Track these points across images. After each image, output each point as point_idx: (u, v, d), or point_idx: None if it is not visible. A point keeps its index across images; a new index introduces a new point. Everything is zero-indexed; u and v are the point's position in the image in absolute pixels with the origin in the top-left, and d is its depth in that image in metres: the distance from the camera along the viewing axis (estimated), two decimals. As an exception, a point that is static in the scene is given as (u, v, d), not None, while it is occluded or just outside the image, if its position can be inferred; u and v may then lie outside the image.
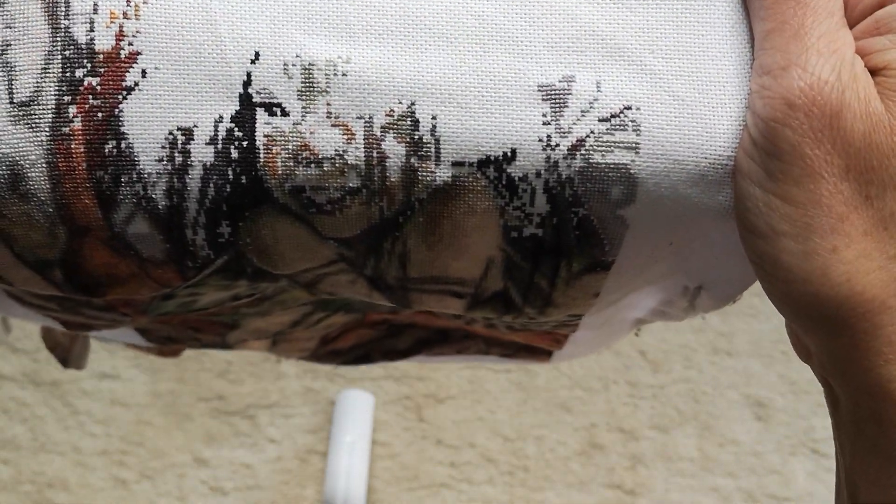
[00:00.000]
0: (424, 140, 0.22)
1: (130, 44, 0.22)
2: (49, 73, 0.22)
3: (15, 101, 0.22)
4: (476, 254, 0.25)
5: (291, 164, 0.22)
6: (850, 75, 0.20)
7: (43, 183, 0.22)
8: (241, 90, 0.22)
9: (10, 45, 0.22)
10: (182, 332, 0.36)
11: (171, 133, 0.22)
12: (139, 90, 0.22)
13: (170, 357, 0.46)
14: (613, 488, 0.87)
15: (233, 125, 0.22)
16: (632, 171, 0.22)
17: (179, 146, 0.22)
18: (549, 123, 0.22)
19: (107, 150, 0.22)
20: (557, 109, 0.22)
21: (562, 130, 0.22)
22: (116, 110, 0.22)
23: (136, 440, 0.86)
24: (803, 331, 0.23)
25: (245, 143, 0.22)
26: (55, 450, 0.86)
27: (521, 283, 0.26)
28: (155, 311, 0.30)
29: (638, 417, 0.88)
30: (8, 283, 0.26)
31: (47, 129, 0.22)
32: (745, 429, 0.88)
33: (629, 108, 0.22)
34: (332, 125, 0.22)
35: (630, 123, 0.22)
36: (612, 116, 0.22)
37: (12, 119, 0.22)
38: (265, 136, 0.22)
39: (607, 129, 0.22)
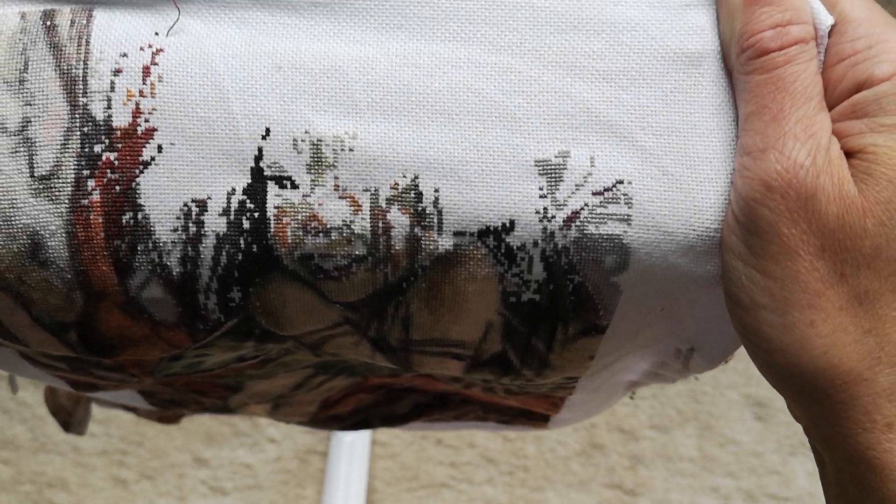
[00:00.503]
0: (427, 211, 0.23)
1: (147, 120, 0.23)
2: (68, 148, 0.23)
3: (36, 174, 0.23)
4: (476, 317, 0.26)
5: (301, 233, 0.23)
6: (824, 159, 0.22)
7: (62, 251, 0.23)
8: (253, 164, 0.23)
9: (31, 121, 0.23)
10: (185, 394, 0.37)
11: (185, 205, 0.23)
12: (155, 164, 0.23)
13: (169, 423, 0.47)
14: (613, 488, 0.87)
15: (245, 197, 0.23)
16: (624, 242, 0.24)
17: (194, 217, 0.23)
18: (546, 196, 0.23)
19: (124, 221, 0.23)
20: (553, 183, 0.23)
21: (557, 203, 0.23)
22: (133, 183, 0.23)
23: (136, 440, 0.86)
24: (787, 398, 0.24)
25: (256, 215, 0.23)
26: (55, 450, 0.86)
27: (518, 346, 0.27)
28: (162, 371, 0.31)
29: (638, 417, 0.88)
30: (24, 344, 0.26)
31: (67, 201, 0.23)
32: (745, 429, 0.88)
33: (621, 182, 0.23)
34: (340, 197, 0.23)
35: (622, 197, 0.23)
36: (606, 190, 0.23)
37: (33, 192, 0.23)
38: (276, 207, 0.23)
39: (601, 202, 0.23)
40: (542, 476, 0.87)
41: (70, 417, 0.46)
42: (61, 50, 0.23)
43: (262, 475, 0.87)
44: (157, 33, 0.23)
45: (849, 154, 0.22)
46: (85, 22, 0.23)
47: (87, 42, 0.23)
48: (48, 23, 0.23)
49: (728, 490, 0.87)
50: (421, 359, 0.28)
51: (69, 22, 0.23)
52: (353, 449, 0.84)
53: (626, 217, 0.23)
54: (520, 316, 0.26)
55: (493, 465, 0.87)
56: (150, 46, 0.23)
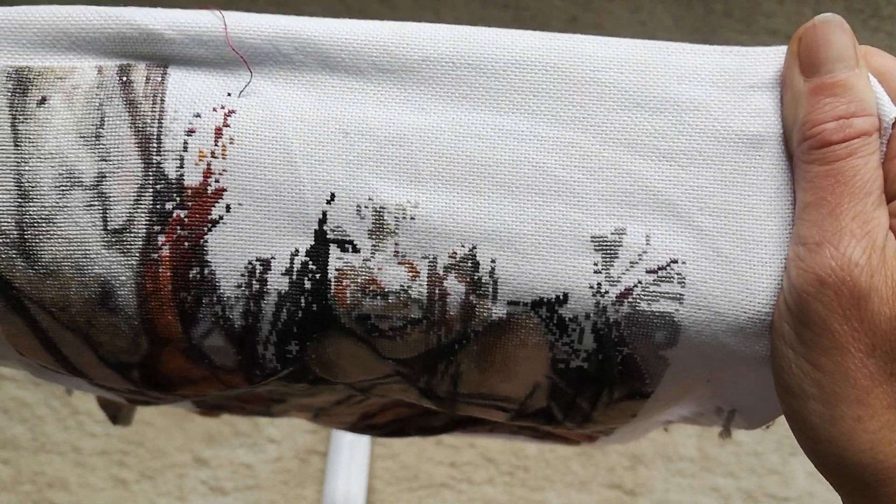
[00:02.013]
0: (483, 280, 0.24)
1: (217, 181, 0.24)
2: (141, 204, 0.24)
3: (109, 228, 0.24)
4: (524, 379, 0.27)
5: (359, 295, 0.24)
6: (879, 259, 0.22)
7: (131, 300, 0.24)
8: (317, 227, 0.24)
9: (106, 176, 0.24)
10: (230, 401, 0.38)
11: (250, 262, 0.24)
12: (223, 223, 0.24)
13: (211, 416, 0.48)
14: (613, 488, 0.87)
15: (307, 259, 0.24)
16: (675, 319, 0.24)
17: (257, 275, 0.24)
18: (600, 272, 0.24)
19: (191, 276, 0.24)
20: (608, 259, 0.24)
21: (611, 279, 0.24)
22: (202, 240, 0.24)
23: (136, 440, 0.86)
24: (832, 484, 0.24)
25: (318, 276, 0.24)
26: (55, 450, 0.86)
27: (563, 404, 0.28)
28: (216, 397, 0.32)
29: (638, 417, 0.88)
30: (88, 378, 0.28)
31: (137, 254, 0.24)
32: (745, 429, 0.88)
33: (675, 261, 0.24)
34: (399, 263, 0.24)
35: (675, 276, 0.24)
36: (660, 269, 0.24)
37: (106, 244, 0.24)
38: (337, 269, 0.24)
39: (654, 280, 0.24)
40: (542, 476, 0.87)
41: (118, 411, 0.47)
42: (137, 107, 0.24)
43: (262, 475, 0.87)
44: (229, 94, 0.24)
45: None
46: (160, 79, 0.24)
47: (162, 100, 0.24)
48: (124, 79, 0.24)
49: (728, 490, 0.87)
50: (467, 407, 0.29)
51: (144, 79, 0.24)
52: (353, 449, 0.84)
53: (678, 296, 0.24)
54: (567, 380, 0.26)
55: (493, 465, 0.87)
56: (222, 108, 0.24)
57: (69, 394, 0.43)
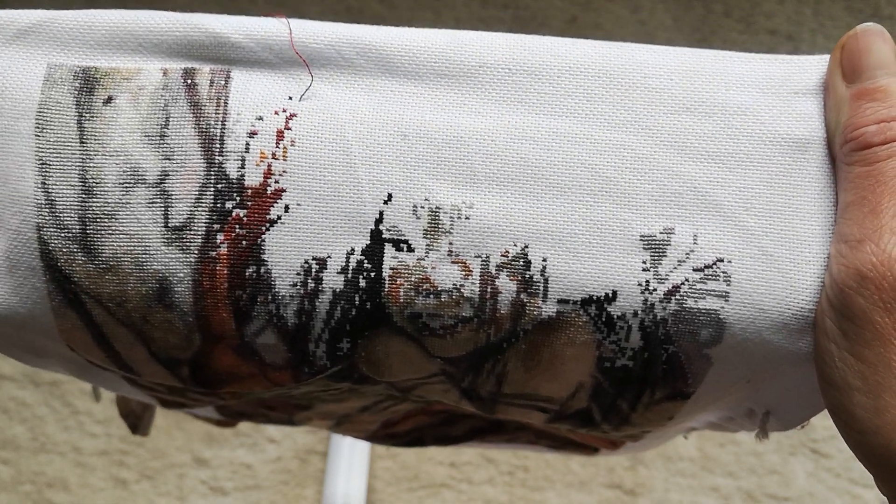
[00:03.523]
0: (534, 279, 0.25)
1: (276, 181, 0.25)
2: (202, 203, 0.24)
3: (169, 225, 0.24)
4: (569, 378, 0.27)
5: (412, 293, 0.25)
6: None
7: (187, 297, 0.25)
8: (373, 227, 0.25)
9: (169, 174, 0.24)
10: (255, 409, 0.38)
11: (306, 262, 0.25)
12: (281, 223, 0.25)
13: (226, 427, 0.48)
14: (613, 488, 0.87)
15: (363, 258, 0.25)
16: (721, 317, 0.25)
17: (313, 274, 0.25)
18: (649, 270, 0.25)
19: (247, 274, 0.25)
20: (657, 258, 0.25)
21: (659, 277, 0.25)
22: (259, 240, 0.25)
23: (136, 440, 0.86)
24: (877, 478, 0.25)
25: (373, 275, 0.25)
26: (55, 450, 0.86)
27: (604, 405, 0.28)
28: (252, 396, 0.32)
29: (638, 417, 0.88)
30: (136, 374, 0.28)
31: (196, 251, 0.25)
32: (745, 429, 0.88)
33: (721, 260, 0.25)
34: (452, 262, 0.25)
35: (722, 274, 0.25)
36: (706, 267, 0.25)
37: (166, 241, 0.24)
38: (391, 268, 0.25)
39: (701, 278, 0.25)
40: (542, 476, 0.87)
41: (139, 421, 0.48)
42: (201, 109, 0.25)
43: (262, 475, 0.87)
44: (290, 97, 0.25)
45: None
46: (223, 83, 0.25)
47: (226, 103, 0.25)
48: (189, 81, 0.25)
49: (728, 490, 0.87)
50: (507, 409, 0.30)
51: (209, 81, 0.25)
52: (353, 449, 0.84)
53: (724, 294, 0.25)
54: (610, 379, 0.27)
55: (493, 465, 0.87)
56: (284, 111, 0.25)
57: (97, 399, 0.43)
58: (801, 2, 1.00)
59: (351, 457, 0.84)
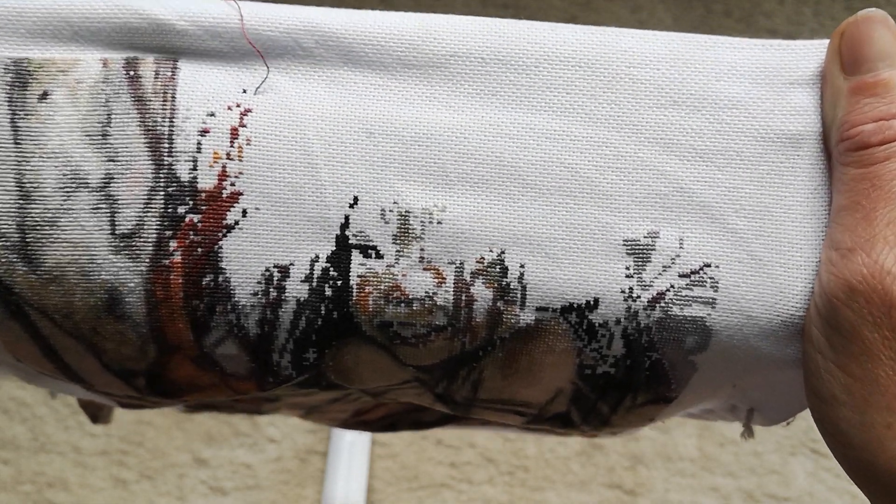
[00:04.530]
0: (512, 286, 0.23)
1: (233, 184, 0.23)
2: (151, 207, 0.23)
3: (117, 232, 0.23)
4: (548, 385, 0.26)
5: (382, 302, 0.23)
6: None
7: (139, 308, 0.23)
8: (339, 232, 0.23)
9: (114, 177, 0.22)
10: (222, 402, 0.37)
11: (267, 269, 0.23)
12: (239, 229, 0.23)
13: (194, 413, 0.48)
14: (613, 488, 0.87)
15: (329, 265, 0.23)
16: (707, 324, 0.23)
17: (275, 282, 0.23)
18: (632, 276, 0.23)
19: (204, 283, 0.23)
20: (640, 264, 0.23)
21: (643, 283, 0.23)
22: (216, 246, 0.23)
23: (136, 440, 0.86)
24: (863, 491, 0.23)
25: (339, 283, 0.23)
26: (55, 450, 0.86)
27: (584, 409, 0.27)
28: (217, 402, 0.31)
29: (638, 417, 0.88)
30: (88, 385, 0.27)
31: (147, 260, 0.23)
32: (745, 429, 0.88)
33: (709, 265, 0.23)
34: (424, 269, 0.23)
35: (709, 280, 0.23)
36: (692, 273, 0.23)
37: (114, 249, 0.23)
38: (359, 276, 0.23)
39: (686, 285, 0.23)
40: (542, 476, 0.87)
41: (98, 411, 0.47)
42: (146, 104, 0.23)
43: (262, 475, 0.86)
44: (244, 90, 0.23)
45: None
46: (170, 74, 0.23)
47: (173, 98, 0.23)
48: (131, 73, 0.23)
49: (728, 490, 0.87)
50: (483, 412, 0.28)
51: (153, 73, 0.23)
52: (353, 449, 0.84)
53: (710, 300, 0.23)
54: (591, 385, 0.26)
55: (493, 465, 0.87)
56: (238, 106, 0.23)
57: (53, 396, 0.42)
58: (801, 2, 1.00)
59: (351, 457, 0.84)
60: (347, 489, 0.82)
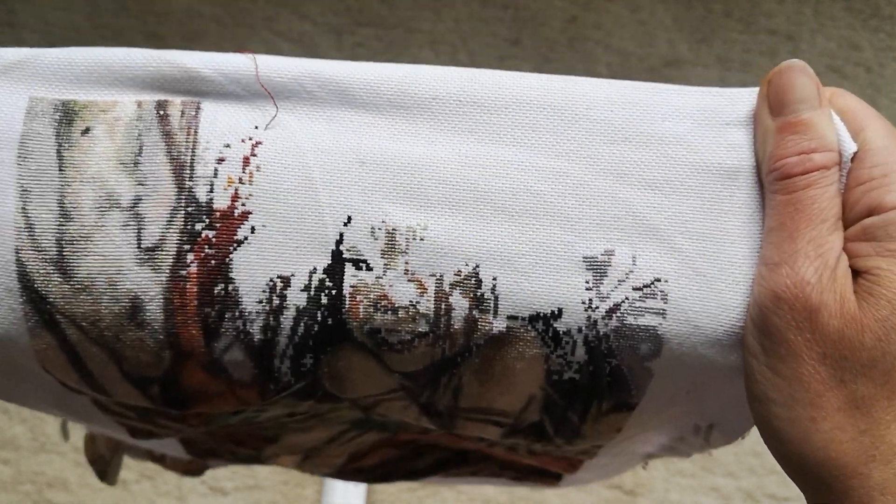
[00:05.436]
0: (485, 297, 0.27)
1: (244, 204, 0.26)
2: (173, 225, 0.26)
3: (142, 246, 0.26)
4: (520, 391, 0.29)
5: (371, 310, 0.27)
6: (830, 278, 0.25)
7: (158, 315, 0.26)
8: (334, 247, 0.27)
9: (142, 199, 0.26)
10: (223, 444, 0.40)
11: (271, 280, 0.26)
12: (248, 243, 0.26)
13: (193, 476, 0.50)
14: (613, 488, 0.87)
15: (325, 276, 0.27)
16: (659, 332, 0.27)
17: (278, 291, 0.27)
18: (591, 289, 0.27)
19: (216, 291, 0.26)
20: (598, 278, 0.27)
21: (601, 295, 0.27)
22: (227, 259, 0.26)
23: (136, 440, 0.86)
24: (796, 484, 0.27)
25: (334, 292, 0.27)
26: (55, 450, 0.86)
27: (555, 417, 0.30)
28: (220, 422, 0.34)
29: (638, 417, 0.88)
30: (109, 394, 0.30)
31: (168, 271, 0.26)
32: (745, 429, 0.88)
33: (659, 280, 0.27)
34: (409, 280, 0.27)
35: (659, 293, 0.27)
36: (644, 286, 0.27)
37: (138, 261, 0.26)
38: (351, 286, 0.27)
39: (640, 297, 0.27)
40: (541, 476, 0.87)
41: (107, 467, 0.49)
42: (172, 138, 0.27)
43: (262, 475, 0.87)
44: (256, 127, 0.27)
45: (856, 273, 0.25)
46: (194, 113, 0.27)
47: (196, 132, 0.27)
48: (161, 112, 0.27)
49: (728, 490, 0.87)
50: (465, 423, 0.31)
51: (180, 112, 0.27)
52: (352, 449, 0.84)
53: (661, 311, 0.27)
54: (560, 392, 0.29)
55: (492, 465, 0.87)
56: (250, 139, 0.27)
57: (66, 437, 0.43)
58: (801, 2, 1.00)
59: (351, 457, 0.84)
60: (347, 489, 0.82)
